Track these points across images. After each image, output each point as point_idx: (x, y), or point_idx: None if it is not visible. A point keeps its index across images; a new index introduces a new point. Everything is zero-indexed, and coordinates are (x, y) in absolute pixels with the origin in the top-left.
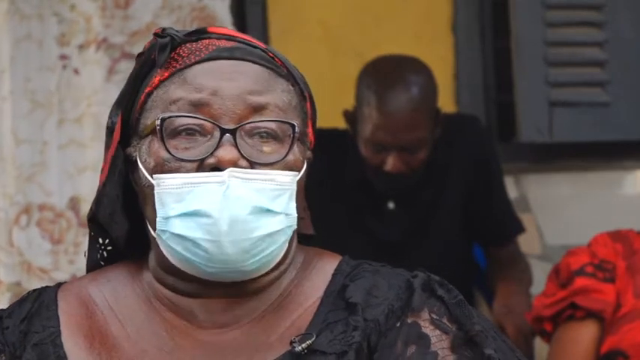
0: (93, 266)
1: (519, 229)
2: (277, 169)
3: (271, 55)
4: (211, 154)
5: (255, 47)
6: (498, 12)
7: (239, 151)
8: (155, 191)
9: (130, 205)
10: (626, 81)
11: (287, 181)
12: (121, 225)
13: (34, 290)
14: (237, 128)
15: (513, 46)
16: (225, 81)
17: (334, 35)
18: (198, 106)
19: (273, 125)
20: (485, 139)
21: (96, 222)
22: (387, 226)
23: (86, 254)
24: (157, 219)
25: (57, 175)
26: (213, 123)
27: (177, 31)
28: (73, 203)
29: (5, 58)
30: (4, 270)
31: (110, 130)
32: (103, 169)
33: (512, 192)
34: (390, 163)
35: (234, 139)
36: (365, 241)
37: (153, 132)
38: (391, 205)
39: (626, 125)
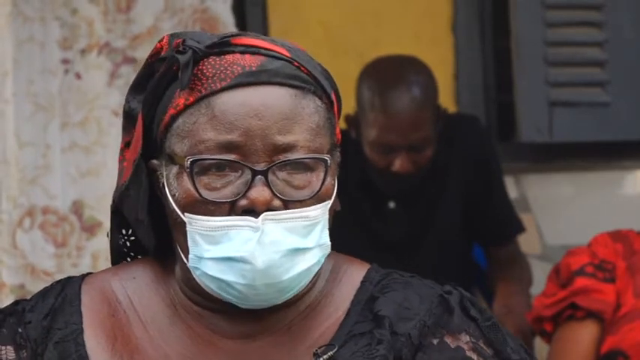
0: (115, 253)
1: (519, 228)
2: (309, 203)
3: (297, 64)
4: (244, 195)
5: (280, 58)
6: (498, 12)
7: (271, 191)
8: (187, 229)
9: (155, 206)
10: (626, 81)
11: (319, 214)
12: (147, 239)
13: (58, 282)
14: (268, 169)
15: (513, 46)
16: (254, 119)
17: (334, 35)
18: (228, 148)
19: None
20: (485, 139)
21: (119, 213)
22: (388, 225)
23: (109, 235)
24: (190, 256)
25: (60, 179)
26: (244, 165)
27: (198, 42)
28: (76, 207)
29: (8, 60)
30: (7, 272)
31: (128, 115)
32: (124, 155)
33: (512, 192)
34: (399, 163)
35: (266, 177)
36: (366, 241)
37: (182, 165)
38: (392, 204)
39: (626, 125)
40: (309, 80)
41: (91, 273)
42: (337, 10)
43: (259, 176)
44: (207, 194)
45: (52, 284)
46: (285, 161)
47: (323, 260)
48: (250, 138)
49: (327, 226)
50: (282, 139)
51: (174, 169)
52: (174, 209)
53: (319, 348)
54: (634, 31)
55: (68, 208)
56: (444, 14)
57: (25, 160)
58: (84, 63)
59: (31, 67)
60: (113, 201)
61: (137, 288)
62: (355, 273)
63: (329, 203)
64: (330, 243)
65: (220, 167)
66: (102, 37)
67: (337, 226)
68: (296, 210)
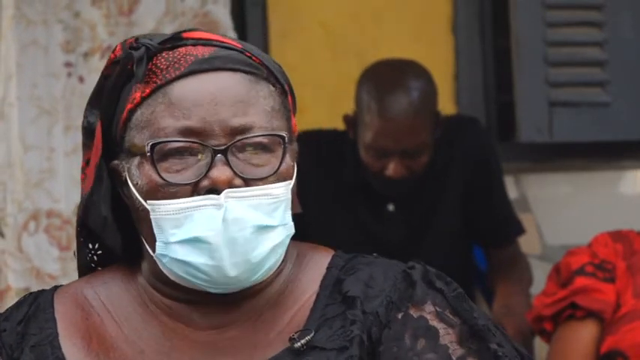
0: (84, 269)
1: (519, 230)
2: (271, 180)
3: (249, 54)
4: (205, 175)
5: (232, 49)
6: (498, 12)
7: (232, 170)
8: (151, 216)
9: (120, 212)
10: (626, 81)
11: (282, 192)
12: (113, 239)
13: (31, 293)
14: (227, 147)
15: (513, 46)
16: (210, 104)
17: (334, 36)
18: (186, 134)
19: (262, 138)
20: (485, 140)
21: (85, 227)
22: (387, 228)
23: (75, 254)
24: (157, 243)
25: (63, 182)
26: (204, 144)
27: (150, 39)
28: None
29: (12, 63)
30: (13, 276)
31: (87, 130)
32: (85, 173)
33: (512, 192)
34: (392, 168)
35: (226, 157)
36: (365, 243)
37: (142, 155)
38: (391, 207)
39: (626, 125)
40: (261, 68)
41: (61, 285)
42: (337, 10)
43: (219, 155)
44: (169, 177)
45: (24, 296)
46: (243, 138)
47: (288, 242)
48: (208, 123)
49: (290, 207)
50: (238, 120)
51: (136, 160)
52: (137, 199)
53: (295, 333)
54: (634, 31)
55: (72, 212)
56: (444, 14)
57: (30, 163)
58: (87, 66)
59: (35, 70)
60: (78, 216)
61: (109, 292)
62: (321, 259)
63: (290, 183)
64: (292, 223)
65: (180, 152)
66: (104, 40)
67: (336, 228)
68: (257, 187)
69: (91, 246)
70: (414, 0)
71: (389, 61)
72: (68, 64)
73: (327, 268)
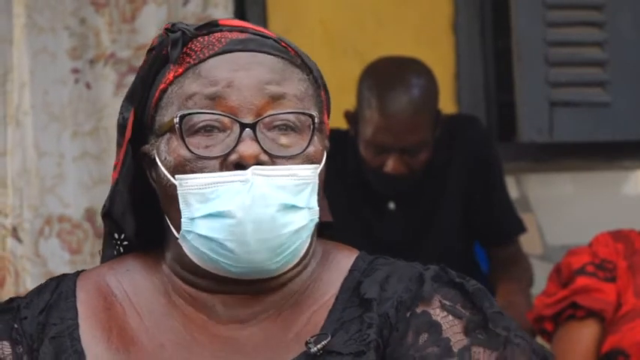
0: (108, 260)
1: (520, 229)
2: (298, 161)
3: (284, 44)
4: (232, 149)
5: (268, 38)
6: (498, 12)
7: (260, 146)
8: (178, 191)
9: (142, 201)
10: (626, 81)
11: (309, 174)
12: (130, 225)
13: (53, 279)
14: (256, 122)
15: (514, 46)
16: (241, 71)
17: (334, 35)
18: (214, 99)
19: (292, 117)
20: (486, 139)
21: (110, 218)
22: (388, 226)
23: (101, 253)
24: (182, 219)
25: (72, 188)
26: (232, 118)
27: (187, 25)
28: (89, 215)
29: (25, 71)
30: (31, 280)
31: (122, 127)
32: (115, 167)
33: (513, 192)
34: (391, 164)
35: (254, 132)
36: (366, 241)
37: (171, 130)
38: (392, 205)
39: (626, 125)
40: (295, 57)
41: (84, 270)
42: (337, 10)
43: (247, 129)
44: (197, 151)
45: (46, 281)
46: (273, 114)
47: (312, 227)
48: (237, 89)
49: (316, 191)
50: (270, 88)
51: (165, 137)
52: (164, 176)
53: (312, 337)
54: (634, 31)
55: (81, 216)
56: (445, 14)
57: (44, 169)
58: (93, 73)
59: (46, 77)
60: (104, 206)
61: (131, 280)
62: (343, 260)
63: (319, 167)
64: (317, 208)
65: (209, 128)
66: (108, 47)
67: (337, 226)
68: (284, 167)
69: (117, 236)
70: (415, 0)
71: (391, 57)
72: (75, 71)
73: (350, 271)
